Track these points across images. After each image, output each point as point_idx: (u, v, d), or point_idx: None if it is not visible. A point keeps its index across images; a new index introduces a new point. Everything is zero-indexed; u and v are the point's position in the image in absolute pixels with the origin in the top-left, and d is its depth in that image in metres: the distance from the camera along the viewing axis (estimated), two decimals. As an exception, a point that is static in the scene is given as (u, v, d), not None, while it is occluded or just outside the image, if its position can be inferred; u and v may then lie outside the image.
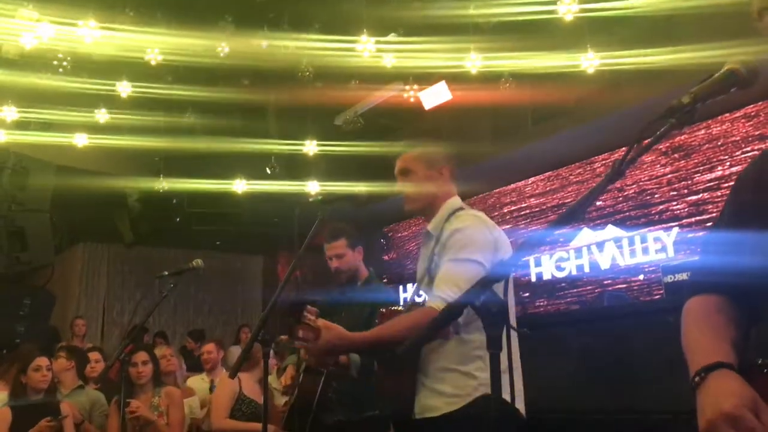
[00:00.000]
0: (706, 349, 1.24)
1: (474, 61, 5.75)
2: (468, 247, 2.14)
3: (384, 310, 2.29)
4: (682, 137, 6.89)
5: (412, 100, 6.66)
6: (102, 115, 6.74)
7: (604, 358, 3.37)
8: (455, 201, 2.38)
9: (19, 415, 4.01)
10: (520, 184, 8.56)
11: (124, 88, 6.41)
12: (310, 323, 2.04)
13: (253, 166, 7.66)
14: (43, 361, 4.15)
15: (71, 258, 10.34)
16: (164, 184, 7.83)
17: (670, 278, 3.86)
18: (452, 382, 2.14)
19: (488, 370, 2.14)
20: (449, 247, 2.18)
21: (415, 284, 2.43)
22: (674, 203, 6.89)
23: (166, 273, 3.40)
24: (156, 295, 3.73)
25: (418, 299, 2.28)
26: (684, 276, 3.77)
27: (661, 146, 7.10)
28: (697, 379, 1.20)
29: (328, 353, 2.15)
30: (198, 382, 5.66)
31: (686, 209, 6.78)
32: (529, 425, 3.34)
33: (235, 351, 6.79)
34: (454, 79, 6.29)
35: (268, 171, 7.43)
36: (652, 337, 3.13)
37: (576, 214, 1.11)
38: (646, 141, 1.08)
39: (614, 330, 3.39)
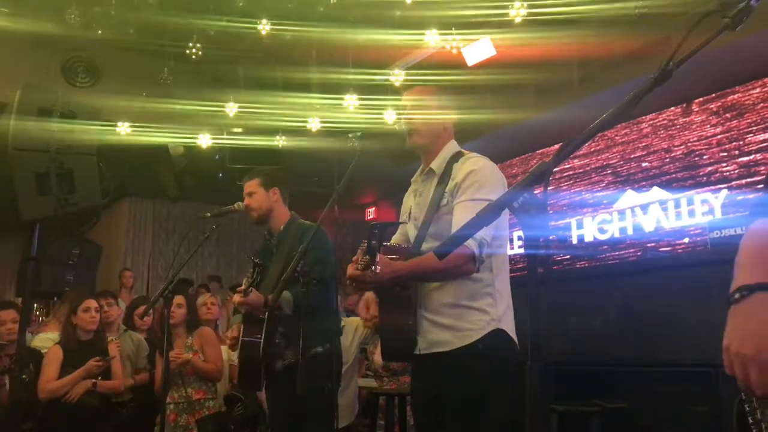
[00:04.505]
0: (749, 264, 1.16)
1: (518, 9, 5.58)
2: (485, 187, 2.23)
3: (389, 244, 2.31)
4: (736, 96, 6.65)
5: (454, 51, 6.51)
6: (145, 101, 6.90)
7: (644, 310, 3.33)
8: (455, 144, 2.46)
9: (69, 353, 4.17)
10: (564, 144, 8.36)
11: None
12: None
13: (295, 121, 7.68)
14: (91, 302, 4.29)
15: (118, 212, 10.60)
16: (208, 140, 7.92)
17: (716, 234, 3.76)
18: (464, 318, 2.22)
19: (498, 305, 2.22)
20: (466, 187, 2.25)
21: (411, 218, 2.46)
22: (724, 164, 6.68)
23: (209, 214, 3.45)
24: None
25: (425, 245, 2.31)
26: (731, 231, 3.67)
27: (712, 105, 6.87)
28: (737, 295, 1.13)
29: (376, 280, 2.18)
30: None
31: (736, 171, 6.57)
32: (569, 375, 3.33)
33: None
34: (499, 27, 6.13)
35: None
36: (693, 289, 3.07)
37: (614, 120, 1.08)
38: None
39: (655, 283, 3.34)
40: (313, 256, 2.97)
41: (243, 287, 3.04)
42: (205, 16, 6.18)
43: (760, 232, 1.23)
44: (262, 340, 3.10)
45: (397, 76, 6.84)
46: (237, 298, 3.10)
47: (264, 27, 6.23)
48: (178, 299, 4.35)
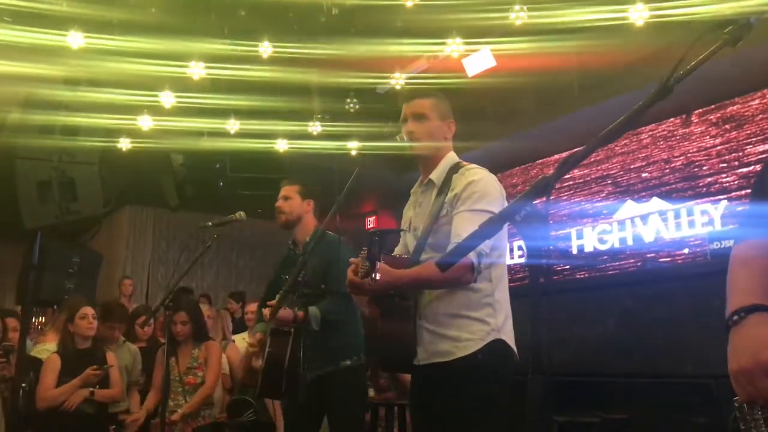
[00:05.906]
0: (744, 289, 1.22)
1: (518, 12, 5.59)
2: (484, 198, 2.26)
3: (389, 255, 2.33)
4: (735, 107, 6.67)
5: (455, 55, 6.52)
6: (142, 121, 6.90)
7: (644, 321, 3.33)
8: (454, 155, 2.49)
9: (67, 362, 4.17)
10: (564, 155, 8.40)
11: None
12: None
13: (296, 129, 7.71)
14: (88, 310, 4.29)
15: (118, 220, 10.60)
16: (207, 144, 7.91)
17: (717, 245, 3.77)
18: (464, 328, 2.23)
19: (497, 316, 2.23)
20: (466, 198, 2.27)
21: (411, 229, 2.47)
22: (723, 175, 6.70)
23: (210, 223, 3.46)
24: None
25: (424, 255, 2.33)
26: (731, 242, 3.67)
27: (711, 117, 6.89)
28: (735, 317, 1.17)
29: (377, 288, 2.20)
30: (239, 341, 5.80)
31: (736, 181, 6.58)
32: (569, 386, 3.33)
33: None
34: (500, 35, 6.15)
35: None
36: (693, 300, 3.08)
37: (614, 135, 1.09)
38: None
39: (655, 293, 3.34)
40: (339, 269, 2.93)
41: (275, 302, 3.06)
42: (207, 26, 6.19)
43: (747, 256, 1.27)
44: (288, 352, 3.11)
45: (398, 80, 6.87)
46: (267, 312, 3.14)
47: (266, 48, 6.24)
48: (181, 317, 4.33)
